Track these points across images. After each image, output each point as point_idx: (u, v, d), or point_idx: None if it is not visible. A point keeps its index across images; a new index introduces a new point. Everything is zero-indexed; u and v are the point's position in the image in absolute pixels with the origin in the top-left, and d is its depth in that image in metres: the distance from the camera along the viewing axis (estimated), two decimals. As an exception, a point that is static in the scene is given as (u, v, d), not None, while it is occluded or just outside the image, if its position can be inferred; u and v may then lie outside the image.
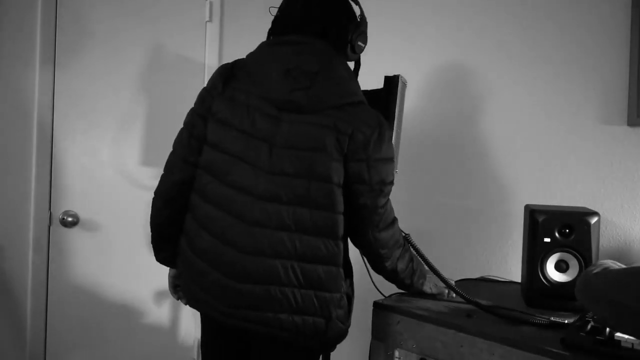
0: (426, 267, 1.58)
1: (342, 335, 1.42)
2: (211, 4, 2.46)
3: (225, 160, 1.36)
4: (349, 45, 1.42)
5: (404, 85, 1.70)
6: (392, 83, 1.66)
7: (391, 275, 1.52)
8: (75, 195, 2.20)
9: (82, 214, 2.21)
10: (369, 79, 1.84)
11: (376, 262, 1.49)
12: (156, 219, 1.52)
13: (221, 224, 1.36)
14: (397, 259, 1.48)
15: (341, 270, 1.39)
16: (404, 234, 1.53)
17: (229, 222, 1.35)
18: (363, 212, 1.39)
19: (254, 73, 1.38)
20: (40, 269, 2.12)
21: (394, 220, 1.48)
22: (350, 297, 1.46)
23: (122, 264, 2.31)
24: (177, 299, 1.67)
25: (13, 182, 2.05)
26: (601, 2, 1.80)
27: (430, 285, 1.59)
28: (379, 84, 1.71)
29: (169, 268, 1.63)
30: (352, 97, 1.36)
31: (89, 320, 2.26)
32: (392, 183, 1.42)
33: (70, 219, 2.16)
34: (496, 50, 2.06)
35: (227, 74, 1.41)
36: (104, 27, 2.24)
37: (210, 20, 2.45)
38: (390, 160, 1.40)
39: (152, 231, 1.55)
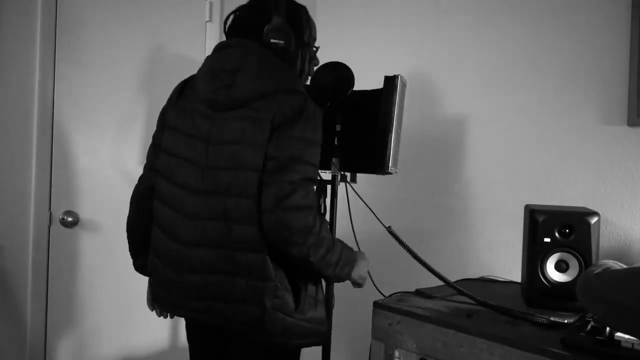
0: (354, 252, 1.53)
1: (295, 329, 1.41)
2: (211, 4, 2.46)
3: (173, 163, 1.49)
4: (264, 40, 1.47)
5: (404, 85, 1.70)
6: (392, 83, 1.66)
7: (307, 266, 1.42)
8: (75, 195, 2.20)
9: (82, 214, 2.21)
10: (369, 79, 1.84)
11: (281, 248, 1.38)
12: (128, 224, 1.65)
13: (169, 221, 1.48)
14: (309, 249, 1.37)
15: (267, 257, 1.38)
16: (385, 227, 1.54)
17: (173, 217, 1.47)
18: (269, 189, 1.35)
19: (196, 80, 1.52)
20: (40, 269, 2.12)
21: (310, 207, 1.38)
22: (298, 290, 1.44)
23: (122, 264, 2.30)
24: (152, 310, 1.73)
25: (13, 182, 2.05)
26: (601, 2, 1.80)
27: (356, 275, 1.53)
28: (379, 84, 1.71)
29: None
30: (276, 86, 1.41)
31: (89, 319, 2.26)
32: (308, 164, 1.38)
33: (70, 219, 2.16)
34: (496, 50, 2.06)
35: (181, 87, 1.59)
36: (104, 27, 2.23)
37: (210, 20, 2.45)
38: (306, 140, 1.39)
39: (127, 238, 1.66)
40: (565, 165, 1.88)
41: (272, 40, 1.46)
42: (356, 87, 1.69)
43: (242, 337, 1.49)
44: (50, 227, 2.15)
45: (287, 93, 1.41)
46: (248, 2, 1.56)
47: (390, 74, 1.69)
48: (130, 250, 1.69)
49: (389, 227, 1.54)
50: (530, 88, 1.97)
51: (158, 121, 1.61)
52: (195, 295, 1.45)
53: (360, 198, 1.74)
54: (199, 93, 1.48)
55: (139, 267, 1.69)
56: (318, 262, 1.40)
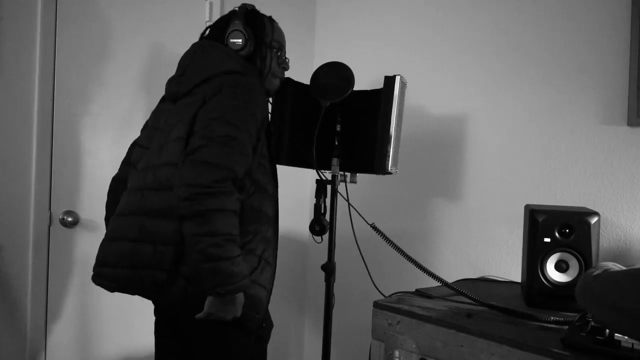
0: (244, 283, 1.36)
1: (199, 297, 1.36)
2: (211, 4, 2.45)
3: (138, 152, 1.63)
4: (225, 41, 1.60)
5: (404, 85, 1.70)
6: (391, 83, 1.66)
7: (183, 230, 1.33)
8: (75, 195, 2.20)
9: (82, 214, 2.21)
10: (370, 79, 1.84)
11: (173, 200, 1.34)
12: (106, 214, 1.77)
13: (120, 197, 1.60)
14: (196, 212, 1.30)
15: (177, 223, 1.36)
16: (369, 223, 1.59)
17: (123, 193, 1.59)
18: (189, 145, 1.41)
19: None
20: (40, 269, 2.12)
21: (218, 166, 1.33)
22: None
23: (122, 264, 2.31)
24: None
25: (13, 182, 2.05)
26: (601, 2, 1.80)
27: (218, 305, 1.35)
28: (379, 84, 1.71)
29: None
30: (215, 71, 1.51)
31: (89, 320, 2.25)
32: (227, 122, 1.38)
33: (70, 219, 2.16)
34: (496, 50, 2.06)
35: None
36: (104, 27, 2.23)
37: (210, 20, 2.45)
38: (226, 104, 1.43)
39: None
40: (565, 165, 1.88)
41: (230, 40, 1.59)
42: (356, 87, 1.70)
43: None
44: (50, 227, 2.15)
45: (224, 74, 1.50)
46: (212, 24, 1.71)
47: (390, 73, 1.69)
48: None
49: (372, 223, 1.58)
50: (530, 88, 1.97)
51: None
52: (111, 262, 1.50)
53: (345, 198, 1.74)
54: (165, 91, 1.66)
55: None
56: (192, 235, 1.30)
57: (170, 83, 1.63)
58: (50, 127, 2.13)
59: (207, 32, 1.69)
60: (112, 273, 1.49)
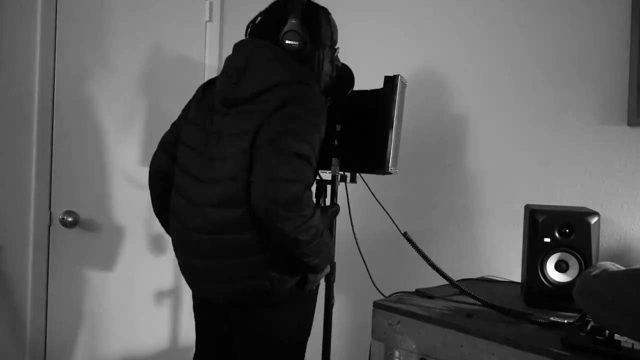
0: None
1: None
2: (211, 4, 2.46)
3: (188, 154, 1.57)
4: (280, 41, 1.52)
5: (404, 85, 1.70)
6: (392, 83, 1.66)
7: (289, 246, 1.41)
8: (75, 195, 2.20)
9: (82, 214, 2.21)
10: (370, 79, 1.84)
11: (266, 219, 1.36)
12: (153, 207, 1.76)
13: (178, 206, 1.57)
14: (298, 229, 1.37)
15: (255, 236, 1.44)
16: (402, 232, 1.54)
17: (182, 203, 1.55)
18: (259, 163, 1.38)
19: (217, 78, 1.59)
20: (40, 269, 2.12)
21: (301, 181, 1.37)
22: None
23: (122, 264, 2.31)
24: None
25: (13, 182, 2.05)
26: (601, 2, 1.80)
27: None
28: (379, 84, 1.71)
29: (176, 264, 1.74)
30: (281, 80, 1.46)
31: (89, 320, 2.26)
32: (299, 138, 1.38)
33: (70, 219, 2.16)
34: (496, 50, 2.06)
35: (206, 84, 1.67)
36: (104, 27, 2.23)
37: (210, 20, 2.45)
38: (300, 118, 1.40)
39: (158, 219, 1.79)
40: (565, 165, 1.88)
41: (286, 42, 1.50)
42: (356, 87, 1.70)
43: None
44: (50, 227, 2.15)
45: (290, 85, 1.45)
46: (266, 7, 1.60)
47: (390, 73, 1.69)
48: (164, 227, 1.77)
49: (405, 232, 1.53)
50: (530, 88, 1.96)
51: (182, 111, 1.70)
52: (202, 279, 1.54)
53: (376, 199, 1.74)
54: (216, 91, 1.56)
55: None
56: (308, 243, 1.39)
57: (225, 88, 1.52)
58: (50, 127, 2.13)
59: (257, 24, 1.58)
60: (206, 288, 1.54)
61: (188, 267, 1.56)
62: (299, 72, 1.49)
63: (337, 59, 1.67)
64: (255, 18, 1.60)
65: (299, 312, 1.60)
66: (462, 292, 1.48)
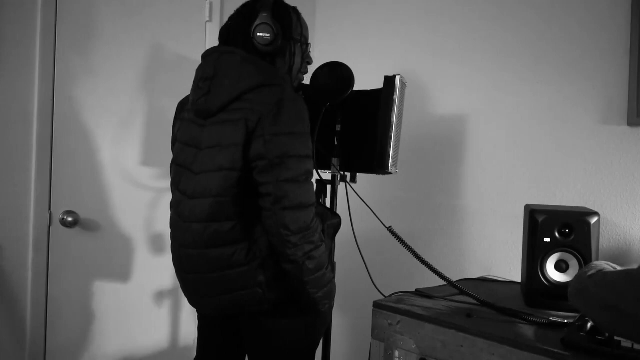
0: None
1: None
2: (211, 4, 2.46)
3: (176, 171, 1.58)
4: (251, 40, 1.50)
5: (404, 85, 1.70)
6: (392, 83, 1.66)
7: (296, 273, 1.42)
8: (75, 195, 2.20)
9: (82, 214, 2.21)
10: (370, 79, 1.84)
11: (278, 245, 1.40)
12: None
13: (174, 223, 1.59)
14: (306, 255, 1.40)
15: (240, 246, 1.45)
16: (386, 226, 1.55)
17: (176, 220, 1.56)
18: (266, 188, 1.38)
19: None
20: (40, 269, 2.12)
21: (310, 206, 1.41)
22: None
23: (122, 264, 2.31)
24: None
25: (13, 182, 2.05)
26: (601, 2, 1.80)
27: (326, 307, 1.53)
28: (379, 84, 1.71)
29: (173, 268, 1.69)
30: (249, 85, 1.42)
31: (89, 320, 2.25)
32: (298, 157, 1.39)
33: (70, 219, 2.16)
34: (496, 50, 2.06)
35: (184, 100, 1.67)
36: (104, 26, 2.23)
37: (210, 20, 2.45)
38: (293, 134, 1.39)
39: None
40: (565, 165, 1.88)
41: (258, 34, 1.49)
42: (356, 87, 1.70)
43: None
44: (50, 227, 2.15)
45: (260, 88, 1.42)
46: (237, 9, 1.59)
47: (390, 73, 1.69)
48: None
49: (390, 227, 1.54)
50: (530, 88, 1.97)
51: (172, 134, 1.72)
52: (196, 293, 1.56)
53: (361, 199, 1.74)
54: (190, 103, 1.56)
55: None
56: (310, 272, 1.41)
57: (198, 100, 1.50)
58: (50, 127, 2.13)
59: (227, 29, 1.58)
60: (209, 302, 1.55)
61: (183, 281, 1.59)
62: (268, 73, 1.46)
63: (308, 56, 1.65)
64: (226, 23, 1.59)
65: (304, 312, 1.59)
66: (450, 284, 1.49)
